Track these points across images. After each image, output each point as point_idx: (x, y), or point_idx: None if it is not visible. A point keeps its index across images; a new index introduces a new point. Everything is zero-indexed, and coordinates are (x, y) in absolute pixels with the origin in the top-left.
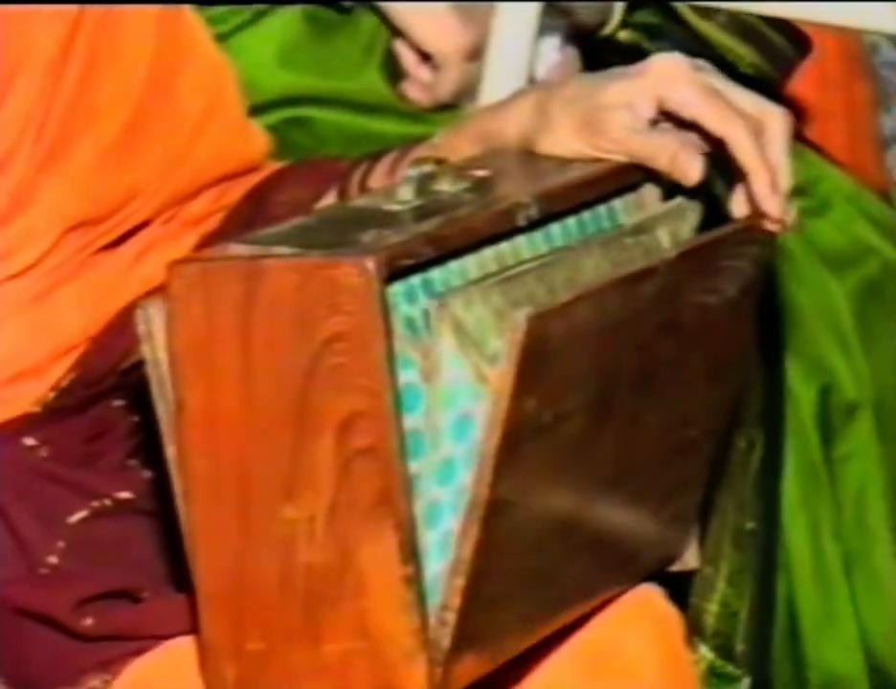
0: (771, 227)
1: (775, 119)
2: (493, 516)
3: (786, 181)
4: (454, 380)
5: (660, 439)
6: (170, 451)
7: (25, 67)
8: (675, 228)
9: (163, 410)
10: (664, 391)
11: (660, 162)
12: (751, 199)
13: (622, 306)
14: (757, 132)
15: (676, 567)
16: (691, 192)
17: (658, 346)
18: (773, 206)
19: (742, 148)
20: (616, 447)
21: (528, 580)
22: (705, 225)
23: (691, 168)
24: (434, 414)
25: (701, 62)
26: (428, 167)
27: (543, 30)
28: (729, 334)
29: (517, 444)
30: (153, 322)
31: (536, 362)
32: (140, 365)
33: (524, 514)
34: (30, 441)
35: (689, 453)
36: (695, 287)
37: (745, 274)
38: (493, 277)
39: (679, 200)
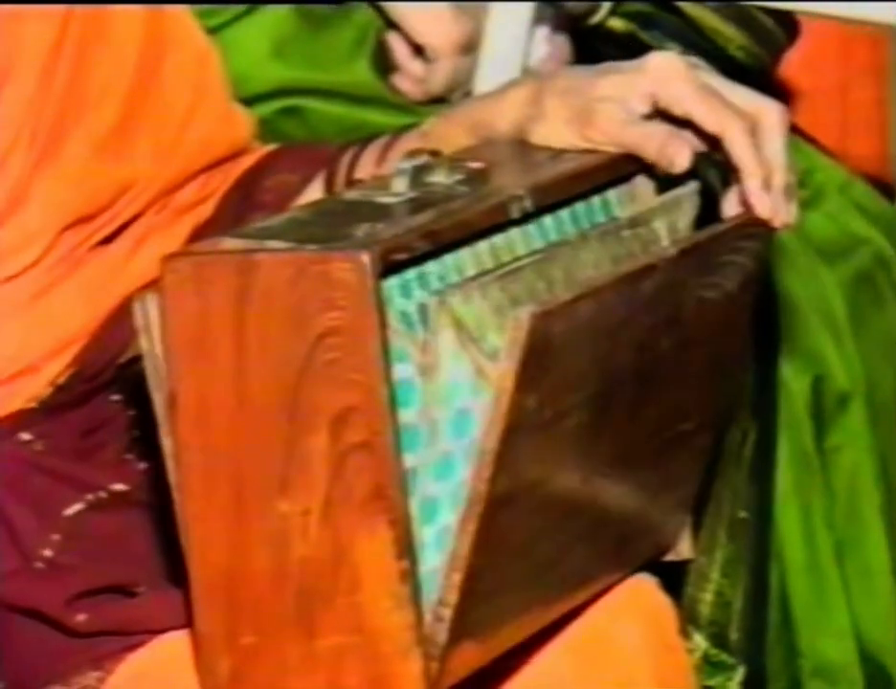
0: (767, 223)
1: (771, 114)
2: (491, 512)
3: (782, 178)
4: (453, 376)
5: (655, 433)
6: (167, 443)
7: (18, 67)
8: (672, 220)
9: (160, 402)
10: (664, 387)
11: (649, 151)
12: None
13: (623, 304)
14: (753, 129)
15: (670, 558)
16: (688, 184)
17: (658, 343)
18: (765, 204)
19: (737, 146)
20: (614, 442)
21: (525, 573)
22: (701, 218)
23: (679, 157)
24: (432, 410)
25: (696, 60)
26: (421, 159)
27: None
28: (729, 328)
29: (516, 441)
30: (150, 315)
31: (538, 360)
32: (138, 358)
33: (522, 509)
34: (26, 436)
35: (683, 446)
36: (695, 283)
37: (744, 268)
38: (491, 272)
39: (676, 192)
